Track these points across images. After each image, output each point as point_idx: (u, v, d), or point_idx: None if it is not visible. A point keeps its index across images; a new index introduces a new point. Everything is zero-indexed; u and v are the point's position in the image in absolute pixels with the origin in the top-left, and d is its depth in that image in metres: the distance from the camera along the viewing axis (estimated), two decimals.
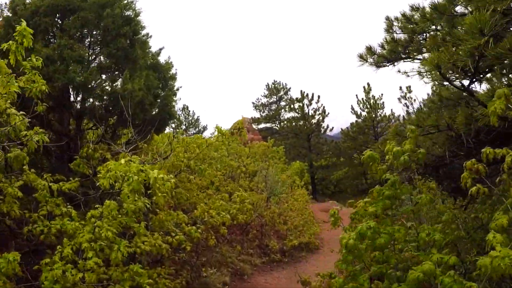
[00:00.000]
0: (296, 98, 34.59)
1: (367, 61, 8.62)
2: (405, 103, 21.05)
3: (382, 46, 8.80)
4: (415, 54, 8.34)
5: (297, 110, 34.48)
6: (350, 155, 30.24)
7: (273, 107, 42.51)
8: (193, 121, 41.68)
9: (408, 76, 9.40)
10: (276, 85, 42.47)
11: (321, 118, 33.64)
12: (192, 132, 38.26)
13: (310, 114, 33.93)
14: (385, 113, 28.99)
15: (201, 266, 8.41)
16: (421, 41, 7.97)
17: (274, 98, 42.57)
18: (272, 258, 11.18)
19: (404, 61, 8.98)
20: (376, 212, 4.10)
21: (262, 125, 41.89)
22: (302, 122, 33.97)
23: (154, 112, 9.10)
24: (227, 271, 8.62)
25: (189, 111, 41.14)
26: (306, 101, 33.88)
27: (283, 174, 19.51)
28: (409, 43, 7.98)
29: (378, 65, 8.29)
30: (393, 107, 38.34)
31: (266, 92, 42.68)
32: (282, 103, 41.91)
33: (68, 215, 5.69)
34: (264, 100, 42.74)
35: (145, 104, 8.33)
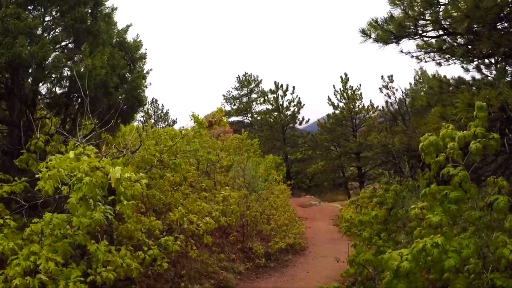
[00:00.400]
0: (270, 89, 33.30)
1: (370, 37, 7.51)
2: (387, 93, 20.11)
3: (385, 21, 7.73)
4: (426, 29, 7.29)
5: (271, 102, 33.21)
6: (327, 148, 29.27)
7: (244, 99, 41.41)
8: (162, 114, 40.19)
9: (412, 56, 8.46)
10: (247, 77, 41.31)
11: (296, 109, 32.52)
12: (161, 126, 36.63)
13: (284, 105, 32.75)
14: (363, 104, 28.12)
15: (180, 280, 7.08)
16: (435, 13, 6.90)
17: (245, 91, 41.45)
18: (257, 263, 9.94)
19: (409, 39, 8.03)
20: (441, 223, 2.90)
21: (233, 118, 40.71)
22: (276, 114, 32.77)
23: (120, 97, 7.67)
24: (209, 284, 7.32)
25: (158, 104, 39.65)
26: (280, 92, 32.65)
27: (260, 168, 18.28)
28: (422, 16, 6.90)
29: (385, 41, 7.17)
30: (372, 98, 37.72)
31: (237, 85, 41.53)
32: (254, 96, 40.95)
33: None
34: (235, 92, 41.65)
35: (109, 86, 6.90)
